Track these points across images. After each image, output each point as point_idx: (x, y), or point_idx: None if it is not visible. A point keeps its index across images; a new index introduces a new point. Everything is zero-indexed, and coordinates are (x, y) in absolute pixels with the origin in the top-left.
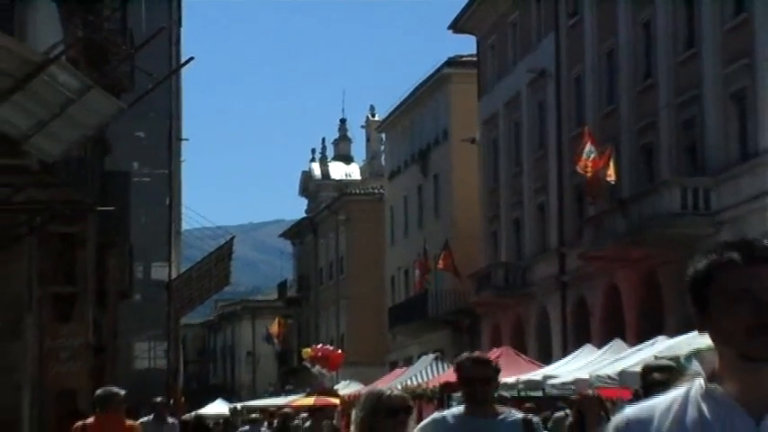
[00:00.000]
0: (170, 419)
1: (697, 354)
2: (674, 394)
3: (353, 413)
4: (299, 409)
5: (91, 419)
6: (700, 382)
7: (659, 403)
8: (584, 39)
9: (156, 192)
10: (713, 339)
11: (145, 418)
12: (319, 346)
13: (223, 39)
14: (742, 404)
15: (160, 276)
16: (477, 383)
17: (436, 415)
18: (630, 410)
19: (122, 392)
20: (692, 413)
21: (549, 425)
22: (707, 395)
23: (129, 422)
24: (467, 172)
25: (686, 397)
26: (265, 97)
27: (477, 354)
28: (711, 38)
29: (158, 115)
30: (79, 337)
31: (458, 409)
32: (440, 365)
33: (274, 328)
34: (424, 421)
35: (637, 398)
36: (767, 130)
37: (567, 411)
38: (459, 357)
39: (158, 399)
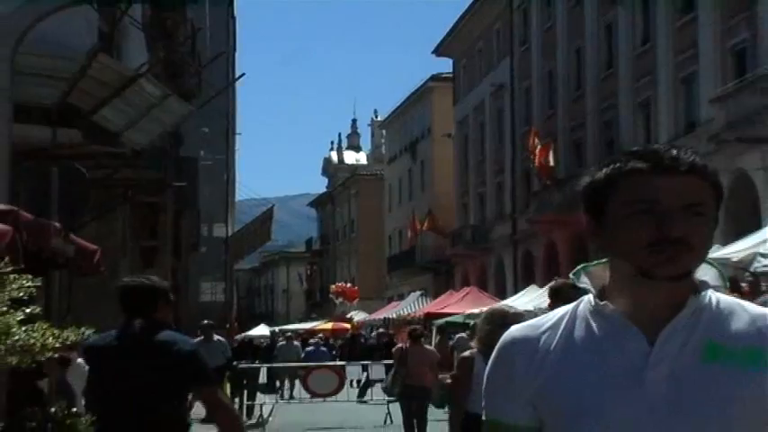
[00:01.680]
0: (216, 337)
1: (586, 269)
2: (562, 311)
3: (478, 326)
4: (319, 332)
5: None
6: (588, 298)
7: (546, 321)
8: (531, 61)
9: (217, 172)
10: (608, 252)
11: (195, 339)
12: (340, 284)
13: (267, 59)
14: (634, 322)
15: (220, 234)
16: None
17: None
18: (516, 329)
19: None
20: (580, 330)
21: None
22: (596, 311)
23: None
24: (445, 159)
25: (574, 314)
26: (297, 102)
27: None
28: (625, 61)
29: (219, 115)
30: (160, 279)
31: None
32: (423, 300)
33: (304, 274)
34: None
35: None
36: (665, 130)
37: None
38: (555, 283)
39: (205, 321)
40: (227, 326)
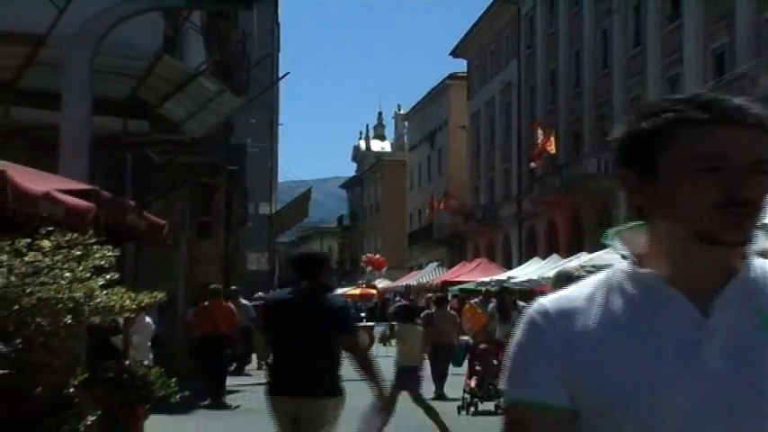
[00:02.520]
0: (242, 301)
1: (619, 233)
2: (594, 281)
3: (549, 287)
4: (348, 297)
5: (206, 303)
6: (622, 265)
7: (579, 292)
8: (536, 62)
9: (262, 158)
10: (655, 212)
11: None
12: (370, 255)
13: (307, 59)
14: (680, 290)
15: (264, 211)
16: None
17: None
18: (548, 301)
19: (220, 287)
20: (619, 301)
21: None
22: (634, 279)
23: (225, 303)
24: (459, 147)
25: (608, 283)
26: (331, 97)
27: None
28: (619, 62)
29: (264, 108)
30: (214, 249)
31: None
32: (440, 270)
33: (336, 247)
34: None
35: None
36: None
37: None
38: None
39: (233, 287)
40: (270, 290)
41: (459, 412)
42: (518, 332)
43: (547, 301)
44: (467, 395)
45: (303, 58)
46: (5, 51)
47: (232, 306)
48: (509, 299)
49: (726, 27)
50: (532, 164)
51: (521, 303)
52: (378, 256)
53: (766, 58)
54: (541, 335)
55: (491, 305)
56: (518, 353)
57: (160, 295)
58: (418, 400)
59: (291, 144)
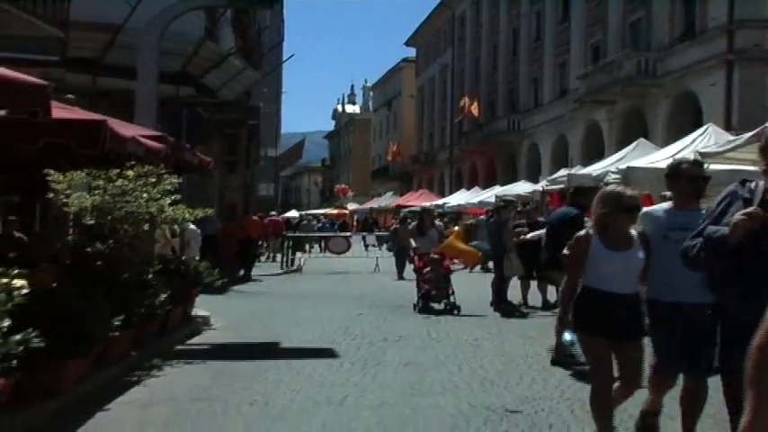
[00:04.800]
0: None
1: None
2: None
3: (593, 208)
4: (328, 215)
5: (242, 219)
6: None
7: None
8: (465, 51)
9: (270, 116)
10: None
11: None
12: (339, 186)
13: (303, 45)
14: None
15: (271, 154)
16: (699, 180)
17: (647, 209)
18: None
19: (259, 216)
20: None
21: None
22: None
23: (254, 218)
24: (409, 111)
25: None
26: (319, 73)
27: (694, 157)
28: (524, 52)
29: (273, 80)
30: (237, 180)
31: (667, 204)
32: (394, 197)
33: (320, 180)
34: (640, 214)
35: (490, 215)
36: (547, 95)
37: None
38: (675, 160)
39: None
40: (274, 211)
41: (414, 309)
42: None
43: None
44: (420, 299)
45: (303, 45)
46: (92, 36)
47: (257, 220)
48: (428, 218)
49: (601, 27)
50: (460, 118)
51: (438, 223)
52: (344, 186)
53: (629, 50)
54: None
55: (413, 223)
56: None
57: (210, 211)
58: None
59: (290, 106)
